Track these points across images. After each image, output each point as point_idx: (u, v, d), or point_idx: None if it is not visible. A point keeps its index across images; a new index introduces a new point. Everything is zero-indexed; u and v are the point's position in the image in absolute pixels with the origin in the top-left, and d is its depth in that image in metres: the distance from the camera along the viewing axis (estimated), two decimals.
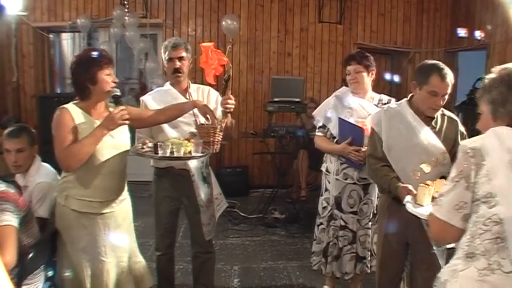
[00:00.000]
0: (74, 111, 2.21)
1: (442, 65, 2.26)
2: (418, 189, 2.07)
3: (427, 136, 2.29)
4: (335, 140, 2.95)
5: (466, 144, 1.46)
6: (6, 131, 2.56)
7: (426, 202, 2.04)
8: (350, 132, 2.80)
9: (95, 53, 2.27)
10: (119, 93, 2.29)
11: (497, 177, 1.33)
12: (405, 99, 2.43)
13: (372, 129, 2.46)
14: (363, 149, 2.72)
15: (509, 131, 1.42)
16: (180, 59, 2.70)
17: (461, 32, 5.90)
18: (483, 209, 1.33)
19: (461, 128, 2.39)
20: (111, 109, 2.31)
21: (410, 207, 2.01)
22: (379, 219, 2.61)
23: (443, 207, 1.43)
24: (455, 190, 1.41)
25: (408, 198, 2.08)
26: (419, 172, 2.17)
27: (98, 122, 2.23)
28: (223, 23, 5.49)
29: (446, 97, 2.27)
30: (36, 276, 2.18)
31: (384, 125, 2.38)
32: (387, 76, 6.62)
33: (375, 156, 2.40)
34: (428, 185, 2.06)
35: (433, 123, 2.33)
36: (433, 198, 2.06)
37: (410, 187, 2.14)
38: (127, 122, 2.25)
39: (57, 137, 2.16)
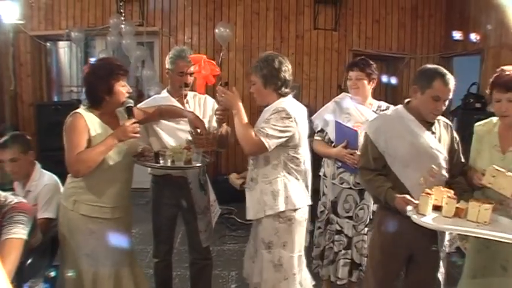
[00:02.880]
0: (88, 118, 2.21)
1: (444, 69, 2.23)
2: (420, 198, 2.06)
3: (430, 141, 2.25)
4: (333, 144, 2.95)
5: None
6: None
7: (428, 211, 2.04)
8: (345, 135, 2.82)
9: (111, 64, 2.28)
10: (132, 104, 2.31)
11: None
12: (400, 105, 2.39)
13: (365, 138, 2.41)
14: (358, 152, 2.72)
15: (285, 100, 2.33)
16: (191, 74, 2.67)
17: (457, 35, 5.93)
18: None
19: (454, 133, 2.38)
20: (120, 117, 2.34)
21: (417, 218, 2.00)
22: (375, 225, 2.56)
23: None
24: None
25: (409, 208, 2.07)
26: (426, 178, 2.16)
27: (110, 130, 2.24)
28: (217, 30, 5.52)
29: (447, 102, 2.24)
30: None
31: (384, 134, 2.30)
32: (383, 81, 6.66)
33: (368, 168, 2.34)
34: (429, 194, 2.06)
35: (432, 129, 2.30)
36: (435, 207, 2.07)
37: (408, 197, 2.12)
38: (138, 135, 2.28)
39: (70, 142, 2.16)
